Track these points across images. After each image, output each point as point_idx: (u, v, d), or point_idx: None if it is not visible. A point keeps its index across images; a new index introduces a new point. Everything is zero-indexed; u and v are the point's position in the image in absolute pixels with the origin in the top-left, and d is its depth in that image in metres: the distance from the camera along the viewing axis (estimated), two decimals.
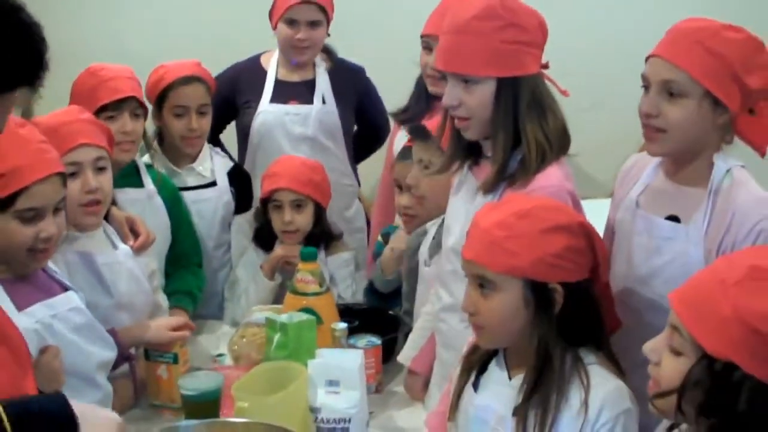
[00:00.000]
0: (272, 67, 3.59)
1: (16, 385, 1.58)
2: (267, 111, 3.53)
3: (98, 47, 4.42)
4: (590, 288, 1.93)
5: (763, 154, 2.10)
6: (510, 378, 1.94)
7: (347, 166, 3.67)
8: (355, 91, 3.66)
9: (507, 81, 2.15)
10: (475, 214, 1.97)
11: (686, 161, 2.08)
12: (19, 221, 2.10)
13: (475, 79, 2.16)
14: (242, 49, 3.72)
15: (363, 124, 3.76)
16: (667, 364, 1.56)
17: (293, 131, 3.52)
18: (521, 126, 2.16)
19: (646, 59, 2.07)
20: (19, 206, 2.09)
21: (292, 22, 3.45)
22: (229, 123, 3.70)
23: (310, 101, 3.55)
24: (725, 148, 2.10)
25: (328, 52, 3.65)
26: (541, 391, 1.86)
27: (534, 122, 2.16)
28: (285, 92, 3.55)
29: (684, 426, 1.59)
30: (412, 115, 3.28)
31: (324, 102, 3.56)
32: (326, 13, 3.48)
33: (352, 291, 3.15)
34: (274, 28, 3.50)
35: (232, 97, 3.58)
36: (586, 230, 1.91)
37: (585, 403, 1.83)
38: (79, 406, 1.49)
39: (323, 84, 3.57)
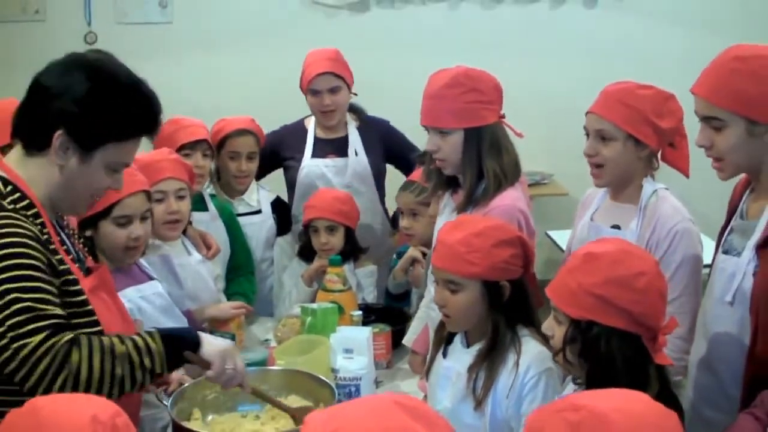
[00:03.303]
0: (311, 128, 4.03)
1: (124, 333, 2.18)
2: (309, 165, 3.95)
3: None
4: (524, 279, 2.45)
5: (687, 176, 2.70)
6: (468, 347, 2.48)
7: (378, 207, 4.08)
8: (382, 142, 4.04)
9: (471, 131, 2.74)
10: (439, 232, 2.48)
11: (623, 186, 2.66)
12: (116, 226, 2.67)
13: (447, 130, 2.75)
14: (285, 102, 4.15)
15: (398, 162, 4.12)
16: (556, 333, 2.08)
17: (332, 180, 3.94)
18: (483, 163, 2.75)
19: (586, 115, 2.66)
20: (115, 214, 2.66)
21: (315, 93, 3.86)
22: (270, 171, 4.12)
23: (345, 154, 3.97)
24: (659, 172, 2.67)
25: (356, 111, 4.07)
26: (491, 356, 2.39)
27: (493, 160, 2.75)
28: (323, 148, 3.99)
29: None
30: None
31: (356, 154, 3.98)
32: (343, 78, 3.87)
33: (374, 296, 3.70)
34: (306, 98, 3.94)
35: (276, 150, 4.02)
36: (522, 240, 2.44)
37: (517, 363, 2.36)
38: (203, 335, 2.15)
39: (354, 139, 4.00)
